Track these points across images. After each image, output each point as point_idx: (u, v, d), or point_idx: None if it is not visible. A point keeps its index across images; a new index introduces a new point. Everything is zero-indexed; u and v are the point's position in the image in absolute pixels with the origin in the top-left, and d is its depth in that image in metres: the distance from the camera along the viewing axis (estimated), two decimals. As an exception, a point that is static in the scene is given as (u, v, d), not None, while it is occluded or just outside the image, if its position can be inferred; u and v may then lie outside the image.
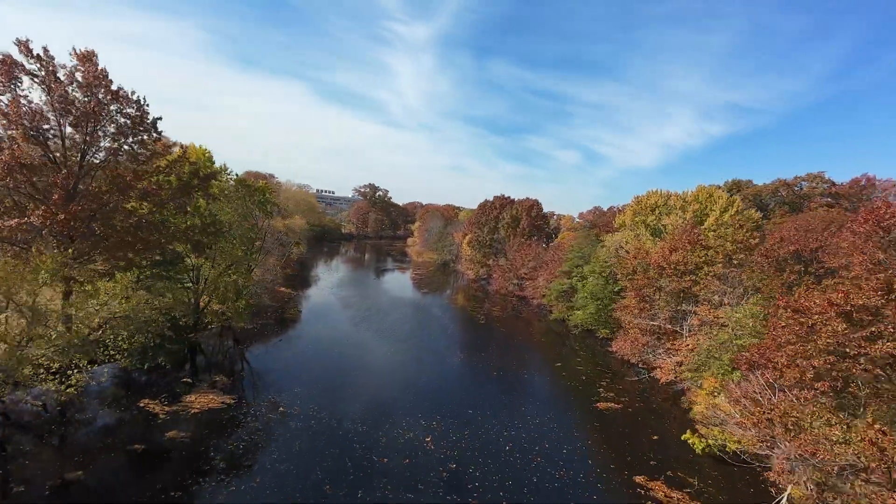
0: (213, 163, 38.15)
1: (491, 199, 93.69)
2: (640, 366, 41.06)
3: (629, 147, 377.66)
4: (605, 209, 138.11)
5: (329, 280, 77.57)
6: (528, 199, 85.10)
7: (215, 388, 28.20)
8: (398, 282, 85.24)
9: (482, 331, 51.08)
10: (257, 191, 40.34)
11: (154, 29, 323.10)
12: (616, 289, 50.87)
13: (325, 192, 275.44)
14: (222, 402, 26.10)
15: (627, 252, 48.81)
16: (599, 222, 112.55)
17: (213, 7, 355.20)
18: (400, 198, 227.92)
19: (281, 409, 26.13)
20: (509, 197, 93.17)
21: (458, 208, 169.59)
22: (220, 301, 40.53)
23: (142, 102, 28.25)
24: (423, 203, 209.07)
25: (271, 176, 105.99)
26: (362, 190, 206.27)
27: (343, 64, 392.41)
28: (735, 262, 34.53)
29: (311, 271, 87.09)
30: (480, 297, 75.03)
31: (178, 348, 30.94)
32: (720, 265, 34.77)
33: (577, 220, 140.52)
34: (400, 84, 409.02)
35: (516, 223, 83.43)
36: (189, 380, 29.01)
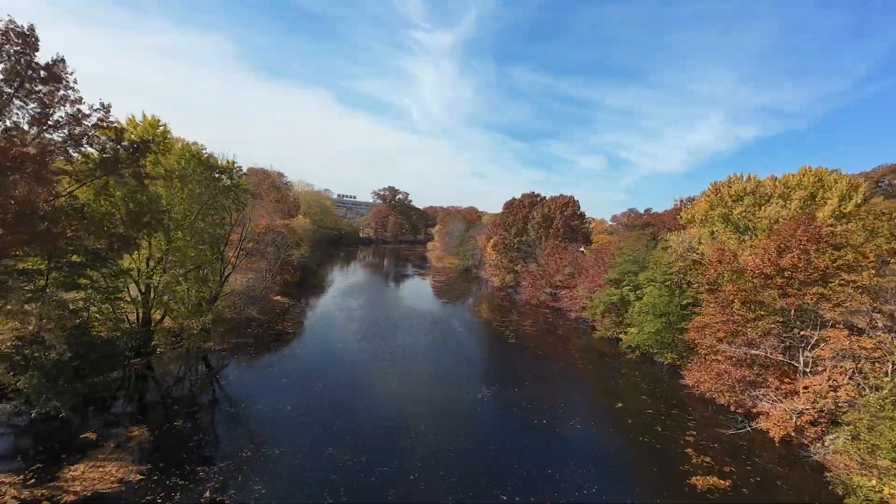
0: (167, 138, 29.76)
1: (518, 196, 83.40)
2: (732, 409, 29.99)
3: (654, 152, 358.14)
4: (642, 211, 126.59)
5: (338, 287, 68.85)
6: (561, 195, 74.53)
7: (125, 449, 19.18)
8: (415, 289, 75.79)
9: (512, 353, 40.82)
10: (221, 172, 31.65)
11: (186, 42, 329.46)
12: (684, 301, 39.88)
13: (347, 196, 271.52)
14: (120, 481, 16.96)
15: (702, 255, 37.81)
16: (637, 223, 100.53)
17: (242, 20, 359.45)
18: (420, 203, 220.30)
19: (207, 493, 16.80)
20: (539, 194, 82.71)
21: (481, 213, 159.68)
22: (182, 315, 31.98)
23: (30, 35, 19.80)
24: (444, 207, 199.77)
25: (280, 175, 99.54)
26: (381, 193, 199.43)
27: (366, 72, 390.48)
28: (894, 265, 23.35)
29: (318, 277, 78.71)
30: (507, 307, 64.71)
31: (95, 384, 22.16)
32: (871, 271, 23.65)
33: (610, 223, 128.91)
34: (421, 91, 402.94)
35: (548, 223, 72.83)
36: (93, 435, 20.13)
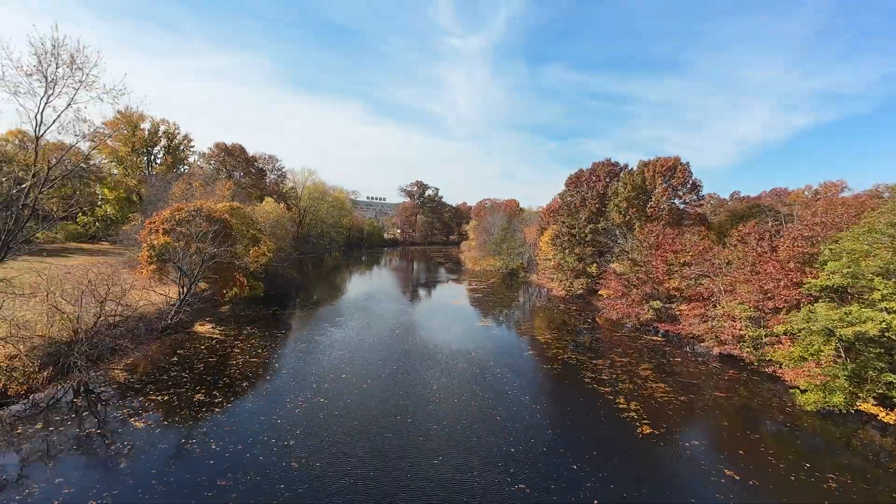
0: None
1: (588, 167, 58.32)
2: None
3: (697, 146, 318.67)
4: (725, 196, 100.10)
5: (330, 304, 46.95)
6: (660, 158, 48.83)
7: None
8: (442, 304, 52.61)
9: (674, 481, 16.60)
10: None
11: (228, 63, 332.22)
12: None
13: (376, 198, 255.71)
14: None
15: None
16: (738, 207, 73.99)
17: (278, 38, 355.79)
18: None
19: None
20: (617, 162, 57.43)
21: (522, 208, 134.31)
22: None
23: None
24: (480, 200, 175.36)
25: (272, 158, 79.18)
26: (409, 189, 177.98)
27: (398, 81, 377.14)
28: None
29: (308, 288, 57.26)
30: (586, 332, 40.15)
31: None
32: None
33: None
34: (453, 96, 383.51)
35: (643, 200, 47.51)
36: None
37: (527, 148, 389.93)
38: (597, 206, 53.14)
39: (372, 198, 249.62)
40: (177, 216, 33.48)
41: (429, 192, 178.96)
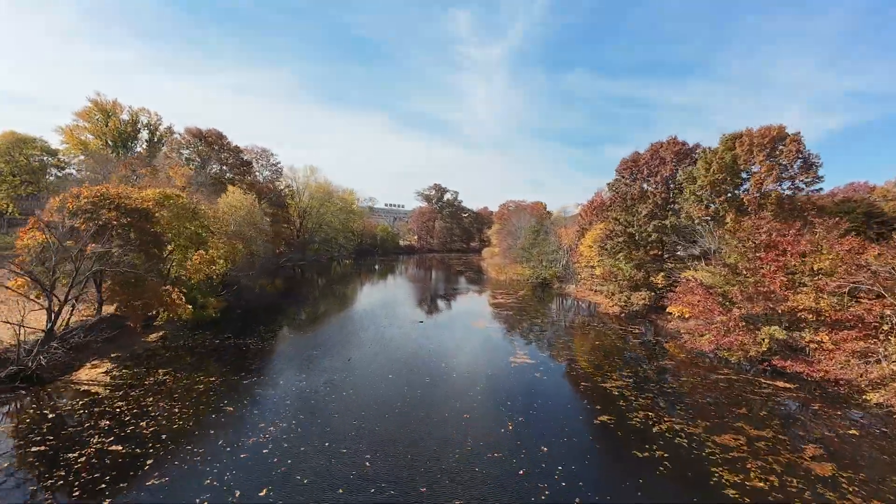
0: None
1: (646, 148, 45.53)
2: None
3: None
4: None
5: (309, 329, 36.08)
6: (751, 129, 35.91)
7: None
8: (459, 327, 40.86)
9: None
10: None
11: (255, 79, 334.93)
12: None
13: (395, 205, 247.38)
14: None
15: None
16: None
17: (304, 55, 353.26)
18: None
19: None
20: (686, 142, 44.60)
21: (550, 213, 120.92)
22: None
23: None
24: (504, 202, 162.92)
25: (265, 151, 69.70)
26: (426, 193, 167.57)
27: (418, 91, 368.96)
28: None
29: (290, 306, 46.55)
30: (670, 374, 27.53)
31: None
32: None
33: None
34: (473, 105, 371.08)
35: (734, 182, 34.68)
36: None
37: (548, 155, 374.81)
38: (663, 196, 40.46)
39: (390, 205, 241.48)
40: (71, 205, 22.95)
41: (447, 195, 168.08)
